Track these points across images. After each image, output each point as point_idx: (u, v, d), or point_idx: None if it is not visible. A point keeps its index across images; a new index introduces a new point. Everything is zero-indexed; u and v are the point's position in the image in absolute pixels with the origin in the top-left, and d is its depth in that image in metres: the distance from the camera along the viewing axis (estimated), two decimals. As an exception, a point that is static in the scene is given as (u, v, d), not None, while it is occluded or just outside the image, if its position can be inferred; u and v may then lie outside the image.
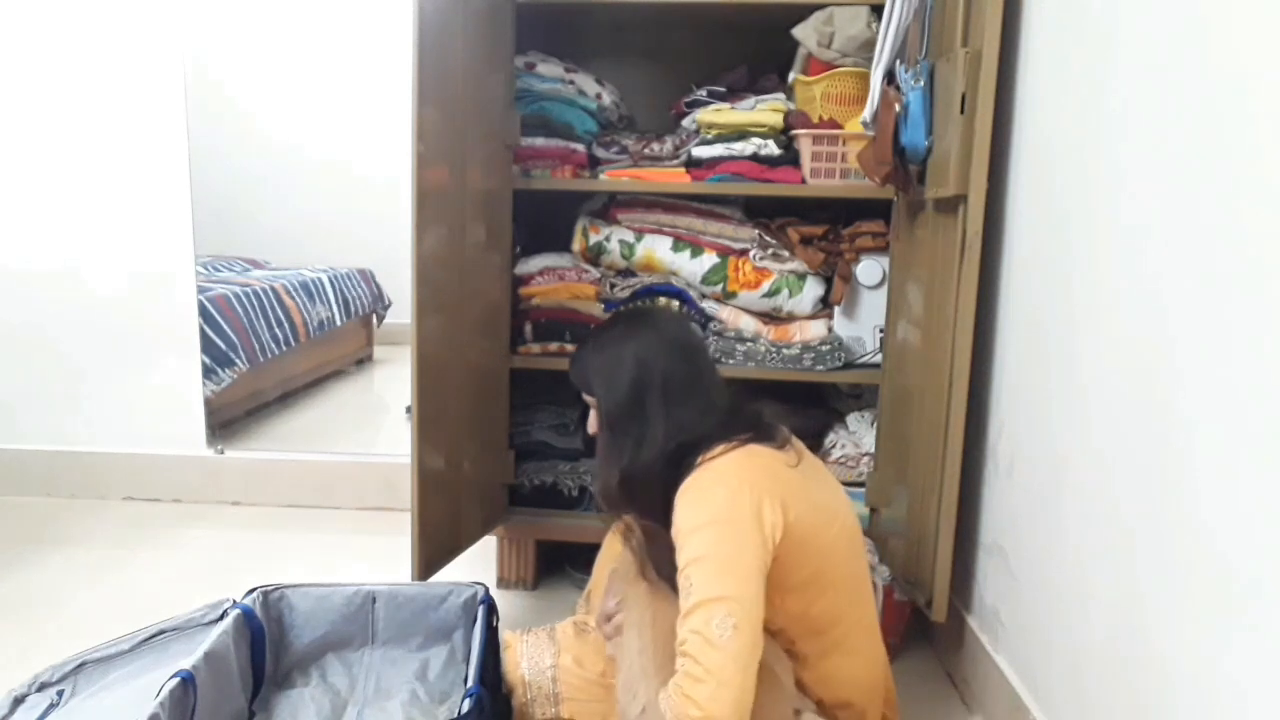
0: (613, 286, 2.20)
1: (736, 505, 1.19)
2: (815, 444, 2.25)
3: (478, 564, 2.13)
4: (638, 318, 1.48)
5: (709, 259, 2.15)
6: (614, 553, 1.52)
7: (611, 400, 1.36)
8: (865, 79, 1.95)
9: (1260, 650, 0.89)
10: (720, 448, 1.26)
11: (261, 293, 3.37)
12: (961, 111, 1.52)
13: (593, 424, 1.43)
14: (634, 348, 1.36)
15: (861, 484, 2.18)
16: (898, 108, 1.73)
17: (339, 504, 2.73)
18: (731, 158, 2.09)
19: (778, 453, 1.29)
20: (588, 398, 1.44)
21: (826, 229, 2.17)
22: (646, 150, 2.19)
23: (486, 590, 1.66)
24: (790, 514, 1.21)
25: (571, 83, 2.18)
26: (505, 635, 1.57)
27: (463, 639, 1.65)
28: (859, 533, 1.37)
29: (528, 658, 1.50)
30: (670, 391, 1.33)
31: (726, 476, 1.23)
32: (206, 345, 2.77)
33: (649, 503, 1.30)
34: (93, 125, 2.60)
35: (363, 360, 4.30)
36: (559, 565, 2.24)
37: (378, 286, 4.28)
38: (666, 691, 1.14)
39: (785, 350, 2.15)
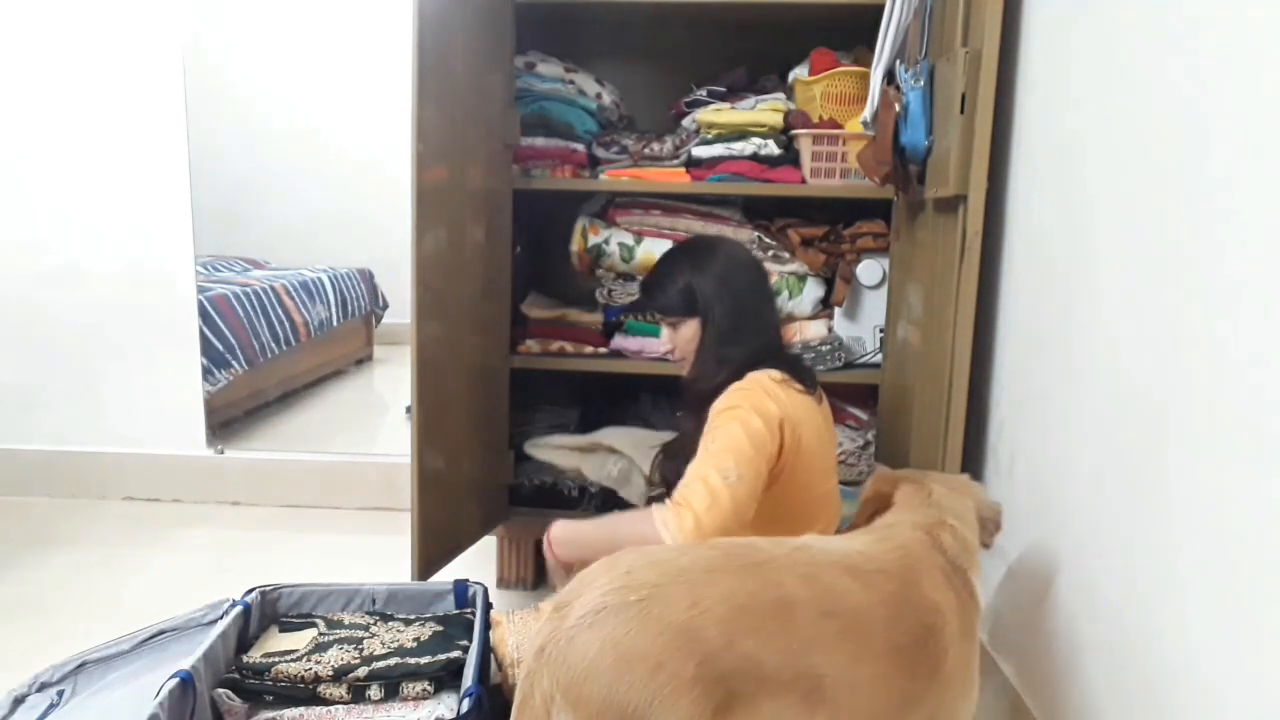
0: (610, 293, 2.20)
1: (767, 409, 1.41)
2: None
3: (478, 564, 2.13)
4: (714, 241, 1.68)
5: (709, 259, 2.15)
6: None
7: (723, 310, 1.52)
8: (865, 79, 1.95)
9: (1260, 650, 0.89)
10: (777, 374, 1.46)
11: (261, 293, 3.36)
12: (961, 111, 1.52)
13: (667, 343, 1.62)
14: (728, 263, 1.56)
15: (861, 483, 2.18)
16: (898, 108, 1.73)
17: (339, 504, 2.73)
18: (731, 157, 2.09)
19: (808, 397, 1.48)
20: (670, 321, 1.58)
21: (827, 230, 2.17)
22: (646, 150, 2.19)
23: (485, 590, 1.66)
24: (797, 448, 1.42)
25: (571, 83, 2.18)
26: (494, 614, 1.60)
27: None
28: (838, 505, 1.60)
29: (515, 634, 1.52)
30: (761, 301, 1.58)
31: (767, 388, 1.44)
32: (204, 346, 2.77)
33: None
34: (91, 122, 2.60)
35: (363, 360, 4.29)
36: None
37: (375, 288, 4.28)
38: (661, 505, 1.36)
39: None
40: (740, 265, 1.58)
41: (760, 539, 1.17)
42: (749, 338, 1.53)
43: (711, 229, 2.16)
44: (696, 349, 1.57)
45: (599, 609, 1.00)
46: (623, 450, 1.99)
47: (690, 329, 1.56)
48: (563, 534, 1.50)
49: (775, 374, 1.47)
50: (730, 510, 1.32)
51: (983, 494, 1.37)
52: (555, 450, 2.07)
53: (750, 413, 1.40)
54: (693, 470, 1.39)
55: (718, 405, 1.45)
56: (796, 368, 1.53)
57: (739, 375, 1.48)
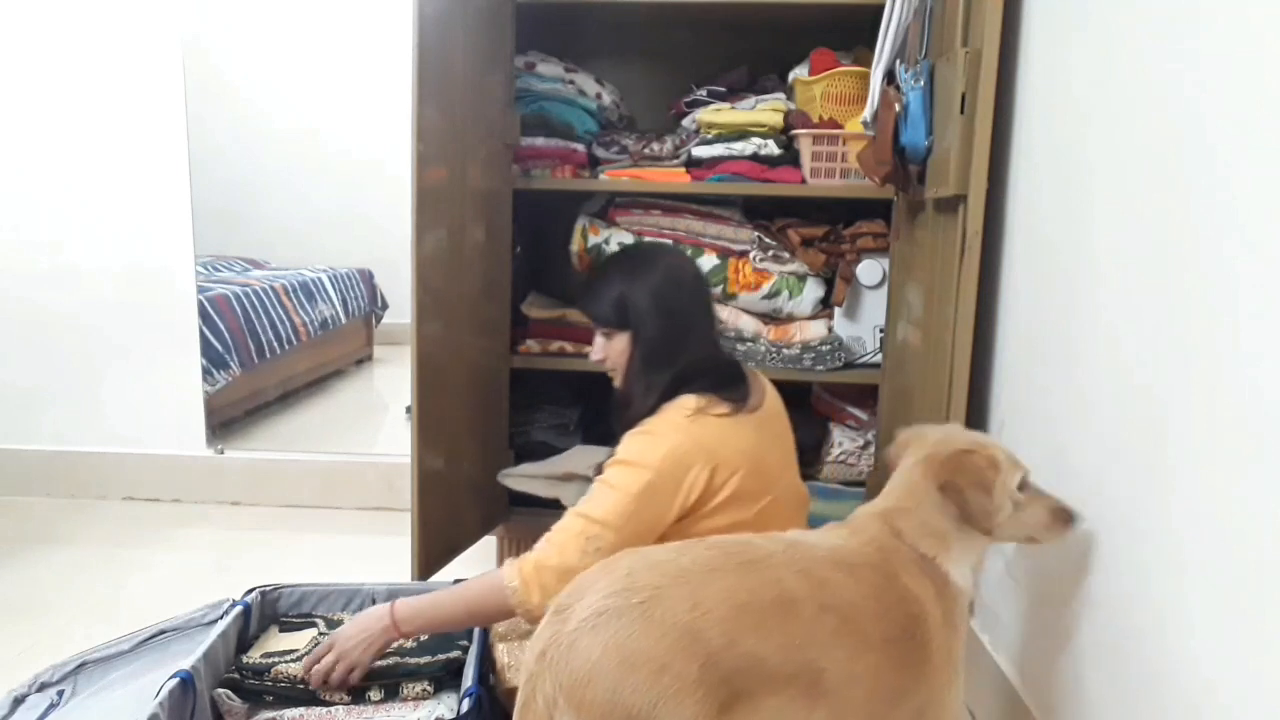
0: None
1: (668, 461, 1.35)
2: (813, 455, 2.26)
3: (478, 564, 2.13)
4: (656, 253, 1.61)
5: (709, 260, 2.14)
6: None
7: (655, 328, 1.47)
8: (865, 79, 1.95)
9: (1262, 649, 0.89)
10: (692, 401, 1.40)
11: (261, 293, 3.36)
12: (961, 111, 1.52)
13: (599, 352, 1.54)
14: (666, 279, 1.48)
15: (862, 483, 2.18)
16: (898, 108, 1.73)
17: (339, 504, 2.73)
18: (731, 157, 2.10)
19: (734, 418, 1.41)
20: (604, 331, 1.52)
21: (827, 230, 2.17)
22: (646, 150, 2.19)
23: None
24: (718, 479, 1.37)
25: (571, 83, 2.18)
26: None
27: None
28: (799, 500, 1.56)
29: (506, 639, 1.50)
30: (697, 318, 1.50)
31: (675, 432, 1.38)
32: (204, 347, 2.77)
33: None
34: (91, 122, 2.59)
35: (363, 360, 4.29)
36: None
37: (375, 288, 4.29)
38: (515, 560, 1.33)
39: (785, 350, 2.15)
40: (678, 281, 1.50)
41: (754, 535, 1.18)
42: (678, 359, 1.46)
43: (711, 229, 2.17)
44: (626, 364, 1.51)
45: (600, 611, 1.00)
46: None
47: (622, 342, 1.50)
48: (408, 612, 1.36)
49: (691, 403, 1.40)
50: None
51: (995, 452, 1.23)
52: (530, 480, 2.01)
53: (644, 471, 1.34)
54: (566, 524, 1.35)
55: (624, 443, 1.40)
56: (725, 381, 1.46)
57: (662, 400, 1.43)
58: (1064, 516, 1.22)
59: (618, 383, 1.55)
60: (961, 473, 1.19)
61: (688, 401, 1.41)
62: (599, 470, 1.41)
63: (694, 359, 1.47)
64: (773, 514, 1.45)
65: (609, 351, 1.53)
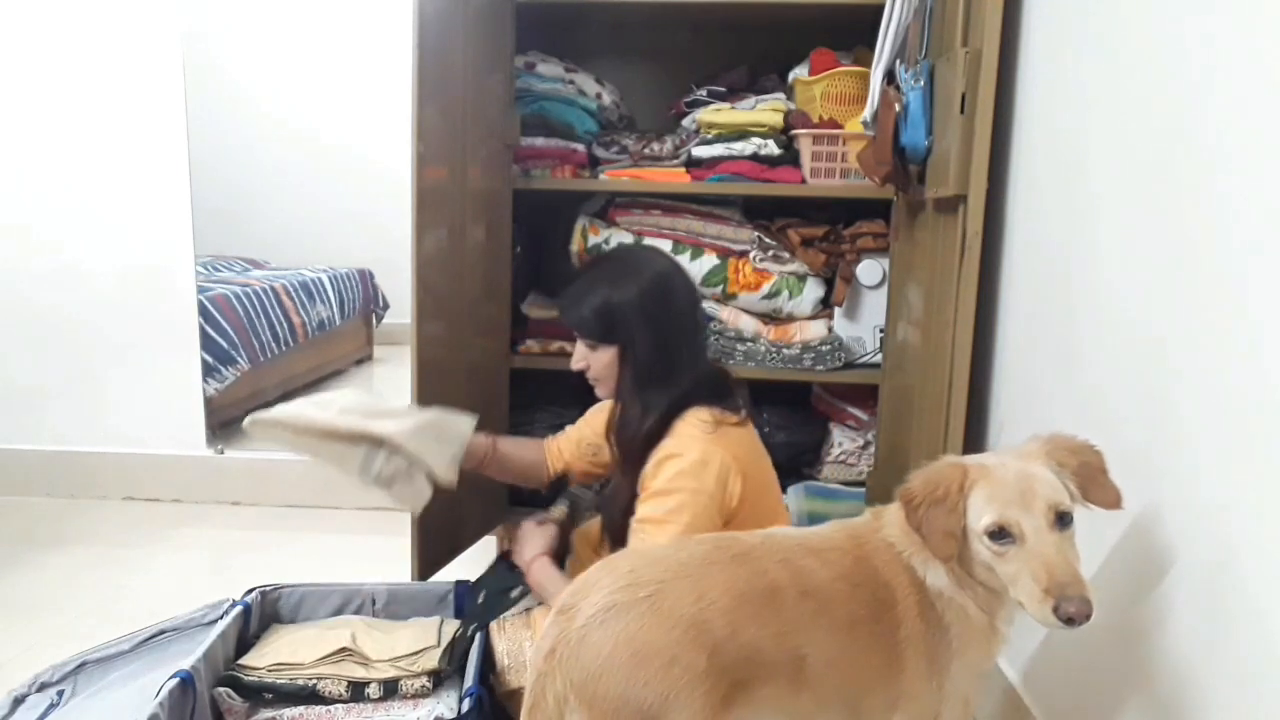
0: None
1: (709, 476, 1.34)
2: (813, 455, 2.26)
3: (478, 564, 2.12)
4: (642, 258, 1.52)
5: (709, 260, 2.15)
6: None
7: (647, 346, 1.39)
8: (865, 79, 1.95)
9: (1259, 648, 0.89)
10: (706, 413, 1.38)
11: (261, 293, 3.36)
12: (961, 111, 1.52)
13: (580, 360, 1.46)
14: (655, 290, 1.40)
15: (862, 483, 2.18)
16: (898, 108, 1.72)
17: (339, 504, 2.73)
18: (731, 157, 2.10)
19: (743, 428, 1.41)
20: (588, 342, 1.44)
21: (827, 230, 2.17)
22: (646, 150, 2.19)
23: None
24: (747, 484, 1.37)
25: (571, 82, 2.18)
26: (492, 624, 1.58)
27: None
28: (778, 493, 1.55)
29: (506, 639, 1.50)
30: (690, 333, 1.44)
31: (707, 449, 1.35)
32: (208, 344, 2.77)
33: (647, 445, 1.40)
34: (92, 122, 2.59)
35: (362, 360, 4.29)
36: (559, 565, 2.23)
37: (375, 288, 4.29)
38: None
39: (785, 350, 2.15)
40: (667, 289, 1.40)
41: (736, 531, 1.22)
42: (675, 379, 1.39)
43: (711, 229, 2.17)
44: (616, 381, 1.44)
45: (609, 607, 1.01)
46: (403, 445, 1.53)
47: (608, 355, 1.42)
48: (539, 577, 1.51)
49: (706, 415, 1.37)
50: None
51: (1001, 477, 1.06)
52: (277, 429, 1.65)
53: (694, 494, 1.33)
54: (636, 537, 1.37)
55: (659, 472, 1.36)
56: (722, 392, 1.42)
57: (666, 421, 1.38)
58: (1054, 605, 0.97)
59: (602, 394, 1.50)
60: (927, 484, 1.07)
61: (701, 414, 1.38)
62: (623, 515, 1.41)
63: (692, 376, 1.41)
64: (775, 509, 1.47)
65: (592, 362, 1.45)
